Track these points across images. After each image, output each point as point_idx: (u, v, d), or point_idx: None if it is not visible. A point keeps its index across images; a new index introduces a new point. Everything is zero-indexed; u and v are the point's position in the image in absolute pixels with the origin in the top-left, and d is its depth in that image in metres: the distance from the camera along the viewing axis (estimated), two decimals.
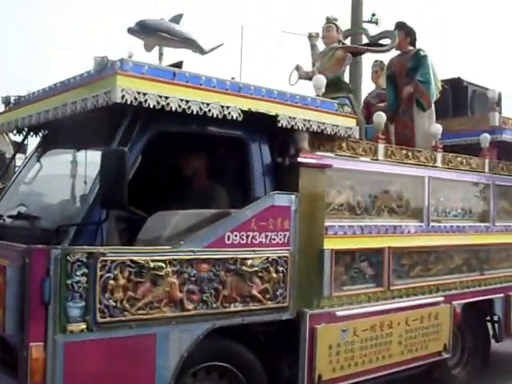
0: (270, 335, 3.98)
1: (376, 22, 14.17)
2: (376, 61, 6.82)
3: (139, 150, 3.49)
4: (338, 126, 4.28)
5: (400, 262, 4.83)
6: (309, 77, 5.53)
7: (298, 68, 5.52)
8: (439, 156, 5.47)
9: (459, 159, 5.71)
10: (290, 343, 4.00)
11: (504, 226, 6.16)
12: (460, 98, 6.67)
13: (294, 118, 4.00)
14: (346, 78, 5.71)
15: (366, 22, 13.58)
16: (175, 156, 4.16)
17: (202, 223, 3.62)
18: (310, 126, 4.11)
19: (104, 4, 52.40)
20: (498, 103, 7.19)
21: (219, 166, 4.21)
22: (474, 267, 5.58)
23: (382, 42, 5.80)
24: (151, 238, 3.44)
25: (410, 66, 5.76)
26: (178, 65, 4.00)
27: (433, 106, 5.87)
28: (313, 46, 5.95)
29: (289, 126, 3.97)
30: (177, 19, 4.87)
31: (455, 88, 6.73)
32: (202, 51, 5.19)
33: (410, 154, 5.17)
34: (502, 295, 5.77)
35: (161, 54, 4.77)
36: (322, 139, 4.36)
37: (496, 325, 5.84)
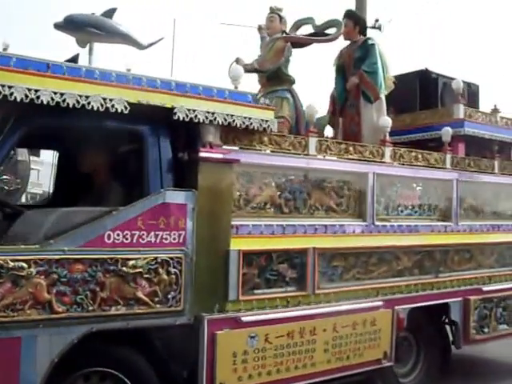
0: (168, 340, 3.77)
1: (379, 28, 13.96)
2: None
3: (12, 144, 3.36)
4: (250, 118, 4.02)
5: (331, 264, 4.53)
6: (248, 70, 5.27)
7: (237, 61, 5.27)
8: (388, 151, 5.11)
9: (413, 154, 5.34)
10: (189, 349, 3.78)
11: (469, 225, 5.74)
12: (428, 91, 6.25)
13: (194, 111, 3.78)
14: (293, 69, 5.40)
15: (369, 27, 12.60)
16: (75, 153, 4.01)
17: (86, 222, 3.45)
18: (215, 118, 3.87)
19: None
20: (475, 96, 6.76)
21: (119, 163, 4.03)
22: (427, 269, 5.20)
23: (329, 31, 5.47)
24: (22, 236, 3.29)
25: (357, 56, 5.42)
26: (74, 58, 3.85)
27: (383, 97, 5.51)
28: (262, 39, 5.68)
29: (187, 119, 3.75)
30: (109, 14, 4.73)
31: (423, 80, 6.31)
32: (139, 46, 5.05)
33: (350, 148, 4.85)
34: (459, 299, 5.36)
35: (90, 49, 4.64)
36: (238, 133, 4.11)
37: (454, 331, 5.44)
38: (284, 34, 5.38)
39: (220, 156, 3.90)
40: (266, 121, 4.11)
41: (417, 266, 5.12)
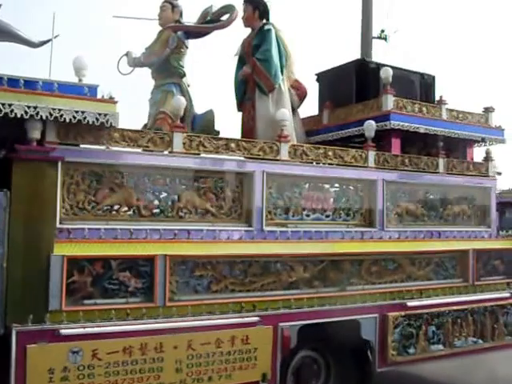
0: None
1: (385, 38, 13.91)
2: None
3: None
4: (84, 112, 3.66)
5: (195, 274, 4.07)
6: (136, 64, 4.91)
7: (127, 54, 4.91)
8: (285, 147, 4.59)
9: (321, 151, 4.77)
10: (2, 364, 3.47)
11: (399, 231, 5.08)
12: (367, 82, 5.60)
13: (10, 105, 3.47)
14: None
15: (375, 38, 13.63)
16: None
17: None
18: (37, 113, 3.54)
19: None
20: (429, 87, 6.02)
21: None
22: (331, 281, 4.61)
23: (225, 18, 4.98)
24: None
25: (254, 44, 4.90)
26: None
27: (284, 88, 4.96)
28: None
29: (1, 114, 3.45)
30: None
31: (360, 71, 5.66)
32: (31, 44, 4.82)
33: (232, 145, 4.37)
34: (374, 316, 4.71)
35: None
36: (81, 129, 3.77)
37: (369, 351, 4.78)
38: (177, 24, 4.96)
39: (38, 154, 3.57)
40: (105, 115, 3.73)
41: (318, 277, 4.54)
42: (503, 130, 6.00)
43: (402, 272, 5.01)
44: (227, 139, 4.39)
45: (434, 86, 6.18)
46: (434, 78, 6.15)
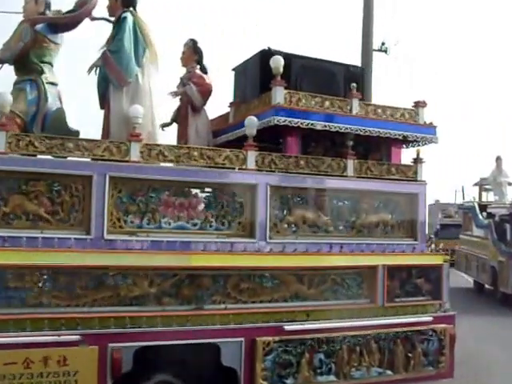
0: None
1: (385, 51, 13.92)
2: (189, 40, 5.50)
3: None
4: None
5: (10, 285, 3.67)
6: None
7: None
8: (136, 147, 4.11)
9: (183, 151, 4.26)
10: None
11: (286, 243, 4.45)
12: (272, 75, 4.97)
13: None
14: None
15: (376, 50, 13.72)
16: None
17: None
18: None
19: None
20: (357, 81, 5.31)
21: None
22: (186, 298, 4.06)
23: None
24: None
25: (111, 35, 4.43)
26: None
27: (142, 82, 4.45)
28: None
29: None
30: None
31: (265, 63, 5.04)
32: None
33: (70, 144, 3.95)
34: (239, 340, 4.12)
35: None
36: None
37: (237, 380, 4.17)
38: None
39: None
40: None
41: (168, 293, 4.02)
42: (435, 127, 5.18)
43: (285, 290, 4.37)
44: (63, 138, 3.98)
45: (362, 79, 5.47)
46: (362, 70, 5.45)
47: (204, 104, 5.29)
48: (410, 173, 5.08)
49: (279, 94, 4.58)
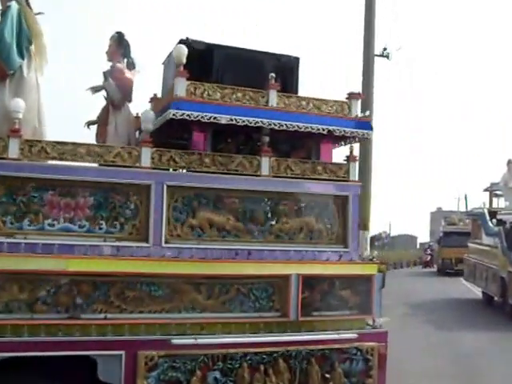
0: None
1: (387, 56, 14.11)
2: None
3: None
4: None
5: None
6: None
7: None
8: (16, 143, 3.84)
9: (69, 147, 3.94)
10: None
11: (182, 248, 4.06)
12: (191, 67, 4.57)
13: None
14: None
15: (377, 55, 13.71)
16: None
17: None
18: None
19: None
20: (290, 72, 4.86)
21: None
22: (56, 306, 3.71)
23: None
24: None
25: None
26: None
27: (27, 75, 4.13)
28: None
29: None
30: None
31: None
32: None
33: None
34: (119, 353, 3.75)
35: None
36: None
37: None
38: None
39: None
40: None
41: (44, 300, 3.70)
42: (369, 121, 4.63)
43: (178, 300, 3.97)
44: None
45: (297, 71, 4.98)
46: (296, 60, 4.96)
47: (125, 100, 4.98)
48: (341, 172, 4.57)
49: (180, 86, 4.19)
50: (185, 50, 4.28)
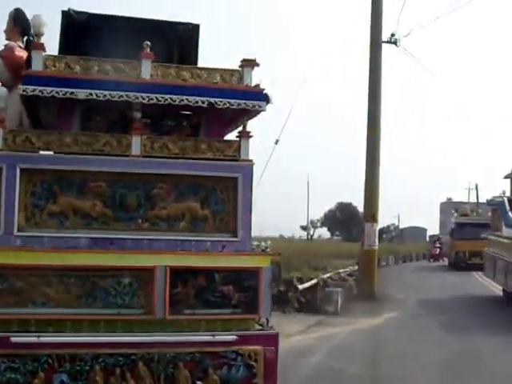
0: None
1: (395, 43, 13.96)
2: None
3: None
4: None
5: None
6: None
7: None
8: None
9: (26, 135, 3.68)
10: None
11: (39, 236, 3.66)
12: (73, 41, 4.14)
13: None
14: None
15: (385, 42, 13.52)
16: None
17: None
18: None
19: None
20: (186, 42, 4.34)
21: None
22: None
23: None
24: None
25: None
26: None
27: None
28: None
29: None
30: None
31: (68, 27, 4.17)
32: None
33: None
34: None
35: None
36: None
37: None
38: None
39: None
40: None
41: None
42: (261, 91, 3.99)
43: (24, 294, 3.58)
44: None
45: (197, 40, 4.45)
46: (195, 28, 4.43)
47: (16, 80, 4.65)
48: (230, 150, 4.00)
49: (37, 60, 3.78)
50: (41, 19, 3.89)
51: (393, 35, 13.69)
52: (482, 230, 14.45)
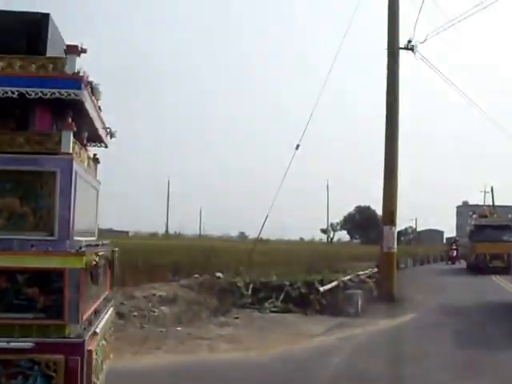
0: None
1: (412, 49, 13.86)
2: None
3: None
4: None
5: None
6: None
7: None
8: None
9: None
10: None
11: None
12: None
13: None
14: None
15: (402, 48, 13.46)
16: None
17: None
18: None
19: None
20: (35, 32, 4.07)
21: None
22: None
23: None
24: None
25: None
26: None
27: None
28: None
29: None
30: None
31: None
32: None
33: None
34: None
35: None
36: None
37: None
38: None
39: None
40: None
41: None
42: (77, 79, 3.62)
43: None
44: None
45: (46, 29, 4.15)
46: (45, 18, 4.14)
47: None
48: (51, 143, 3.72)
49: None
50: None
51: (409, 41, 13.60)
52: (503, 232, 13.20)
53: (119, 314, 9.79)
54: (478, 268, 21.08)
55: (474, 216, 24.37)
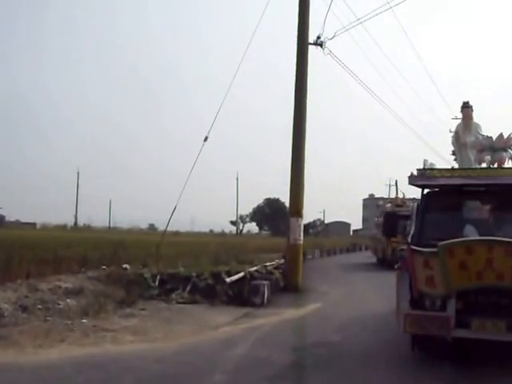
0: None
1: (321, 45, 14.15)
2: None
3: None
4: None
5: None
6: None
7: None
8: None
9: None
10: None
11: None
12: None
13: None
14: None
15: (311, 44, 13.72)
16: None
17: None
18: None
19: None
20: None
21: None
22: None
23: None
24: None
25: None
26: None
27: None
28: None
29: None
30: None
31: None
32: None
33: None
34: None
35: None
36: None
37: None
38: None
39: None
40: None
41: None
42: None
43: None
44: None
45: None
46: None
47: None
48: None
49: None
50: None
51: (319, 37, 13.96)
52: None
53: (23, 308, 9.67)
54: (395, 263, 20.25)
55: (388, 205, 23.75)
